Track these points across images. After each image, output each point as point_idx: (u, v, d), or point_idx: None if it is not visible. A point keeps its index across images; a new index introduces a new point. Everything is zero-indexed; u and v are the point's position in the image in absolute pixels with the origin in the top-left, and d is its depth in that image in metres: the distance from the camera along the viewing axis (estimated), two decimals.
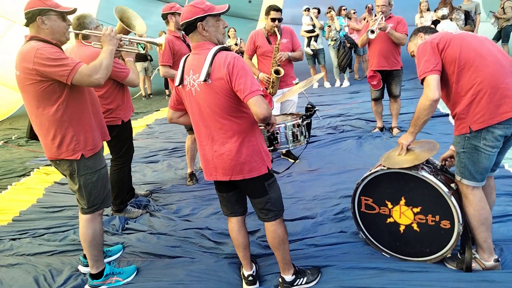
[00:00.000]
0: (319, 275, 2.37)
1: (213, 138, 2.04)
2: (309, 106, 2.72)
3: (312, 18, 8.69)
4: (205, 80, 1.92)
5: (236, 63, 1.91)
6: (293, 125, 2.56)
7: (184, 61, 2.08)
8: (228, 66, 1.90)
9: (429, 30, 2.46)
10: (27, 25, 2.21)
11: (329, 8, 8.76)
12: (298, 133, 2.60)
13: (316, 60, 8.98)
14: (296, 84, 3.10)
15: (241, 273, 2.46)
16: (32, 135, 2.48)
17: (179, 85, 2.07)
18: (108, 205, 2.55)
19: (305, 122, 2.64)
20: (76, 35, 2.88)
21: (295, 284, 2.28)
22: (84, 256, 2.69)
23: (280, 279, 2.30)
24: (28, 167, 5.32)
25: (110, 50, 2.28)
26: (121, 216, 3.41)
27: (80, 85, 2.21)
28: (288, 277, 2.28)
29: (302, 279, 2.30)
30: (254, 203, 2.19)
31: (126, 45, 2.81)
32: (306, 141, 2.66)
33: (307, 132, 2.70)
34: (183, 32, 3.87)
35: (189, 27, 1.99)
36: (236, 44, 9.36)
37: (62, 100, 2.19)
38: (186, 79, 2.04)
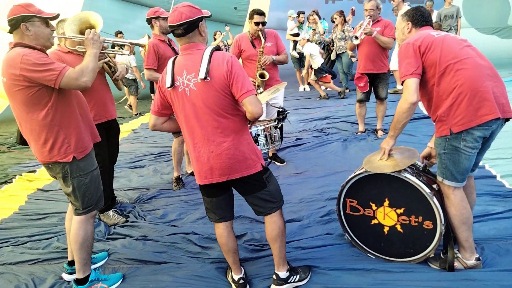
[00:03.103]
0: (310, 273, 2.40)
1: (208, 139, 2.04)
2: (280, 109, 2.81)
3: (298, 25, 8.77)
4: (205, 78, 1.93)
5: (234, 62, 1.99)
6: (270, 127, 2.65)
7: (173, 63, 2.07)
8: (228, 63, 1.96)
9: (420, 21, 2.36)
10: (11, 32, 2.21)
11: (313, 11, 8.84)
12: (276, 135, 2.70)
13: (301, 63, 9.03)
14: (261, 93, 3.18)
15: (230, 278, 2.45)
16: (22, 141, 2.48)
17: (170, 86, 2.03)
18: (102, 206, 2.55)
19: (280, 124, 2.74)
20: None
21: (289, 281, 2.30)
22: (68, 264, 2.66)
23: (274, 276, 2.32)
24: (10, 174, 5.21)
25: (94, 53, 2.31)
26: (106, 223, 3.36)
27: (68, 88, 2.23)
28: (283, 274, 2.30)
29: (295, 276, 2.33)
30: (253, 198, 2.19)
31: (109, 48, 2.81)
32: (280, 143, 2.77)
33: (281, 135, 2.82)
34: (169, 36, 3.91)
35: (191, 26, 2.00)
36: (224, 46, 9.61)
37: (51, 105, 2.21)
38: (178, 80, 2.02)
